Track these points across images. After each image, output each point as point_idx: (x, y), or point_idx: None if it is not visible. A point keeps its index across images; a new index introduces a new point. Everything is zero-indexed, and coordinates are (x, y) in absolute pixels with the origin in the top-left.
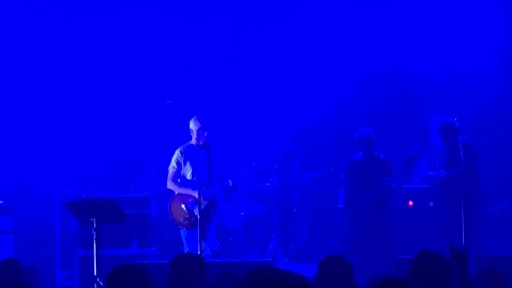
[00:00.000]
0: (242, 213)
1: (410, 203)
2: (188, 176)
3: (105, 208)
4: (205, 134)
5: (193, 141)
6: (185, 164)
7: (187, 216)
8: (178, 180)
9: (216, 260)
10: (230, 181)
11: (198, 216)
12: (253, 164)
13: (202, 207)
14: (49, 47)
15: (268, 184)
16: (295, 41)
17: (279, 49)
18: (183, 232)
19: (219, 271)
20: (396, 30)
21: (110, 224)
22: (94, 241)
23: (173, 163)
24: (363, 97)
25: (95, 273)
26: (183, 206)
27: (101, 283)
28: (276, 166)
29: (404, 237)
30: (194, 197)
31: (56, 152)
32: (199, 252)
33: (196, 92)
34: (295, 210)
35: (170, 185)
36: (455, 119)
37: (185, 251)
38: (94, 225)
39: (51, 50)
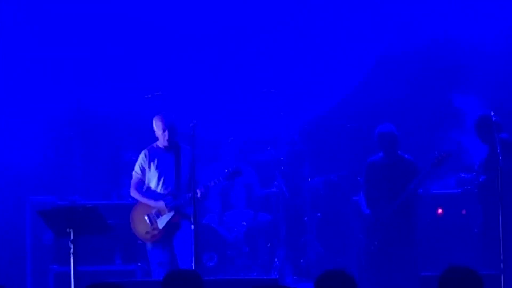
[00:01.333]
0: (244, 223)
1: (440, 211)
2: (153, 182)
3: (83, 217)
4: (166, 134)
5: (159, 143)
6: (149, 169)
7: (150, 229)
8: (144, 187)
9: (213, 278)
10: (198, 191)
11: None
12: (226, 170)
13: (168, 218)
14: (24, 42)
15: (273, 189)
16: (305, 26)
17: (287, 35)
18: (147, 246)
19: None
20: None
21: (89, 236)
22: (71, 255)
23: (136, 168)
24: (385, 88)
25: None
26: (146, 217)
27: None
28: (283, 168)
29: (432, 251)
30: (158, 207)
31: (26, 151)
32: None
33: (189, 83)
34: (305, 219)
35: (133, 193)
36: (492, 113)
37: (152, 269)
38: (71, 237)
39: (26, 45)
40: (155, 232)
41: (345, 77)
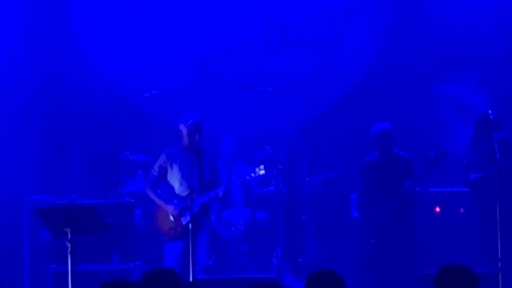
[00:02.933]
0: (242, 222)
1: (437, 209)
2: (177, 181)
3: (81, 216)
4: (197, 137)
5: (183, 143)
6: (172, 168)
7: (173, 225)
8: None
9: (211, 277)
10: (221, 191)
11: (190, 226)
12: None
13: (190, 217)
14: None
15: (272, 187)
16: (303, 23)
17: (286, 32)
18: (169, 244)
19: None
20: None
21: (87, 235)
22: (69, 254)
23: (155, 167)
24: (383, 86)
25: None
26: (170, 214)
27: None
28: (281, 167)
29: (430, 249)
30: (183, 204)
31: (24, 151)
32: (190, 267)
33: (188, 81)
34: (304, 218)
35: (147, 190)
36: (489, 111)
37: (167, 265)
38: (69, 236)
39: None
40: (178, 228)
41: (344, 75)
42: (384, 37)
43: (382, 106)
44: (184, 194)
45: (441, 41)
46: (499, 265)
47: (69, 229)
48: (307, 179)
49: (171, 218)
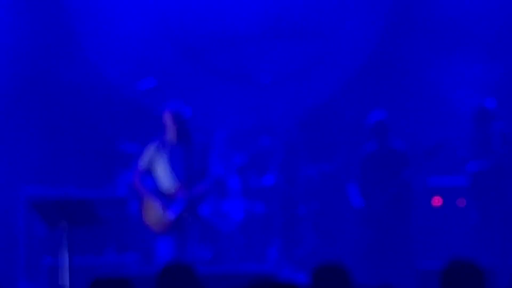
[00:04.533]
0: (238, 214)
1: (436, 202)
2: (163, 175)
3: (77, 209)
4: (175, 127)
5: (169, 136)
6: (158, 163)
7: (161, 219)
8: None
9: (208, 269)
10: (202, 185)
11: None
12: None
13: (179, 210)
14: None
15: (269, 179)
16: (299, 13)
17: (284, 23)
18: (160, 238)
19: (211, 281)
20: None
21: (83, 228)
22: (65, 247)
23: (141, 160)
24: (381, 77)
25: (66, 286)
26: (158, 208)
27: None
28: (278, 158)
29: (428, 243)
30: (169, 198)
31: (19, 142)
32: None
33: (184, 72)
34: (301, 210)
35: (134, 183)
36: (489, 100)
37: (157, 260)
38: (65, 229)
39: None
40: (166, 223)
41: (341, 66)
42: (382, 26)
43: (379, 97)
44: (170, 189)
45: (440, 30)
46: (498, 259)
47: (65, 222)
48: (304, 170)
49: (159, 212)
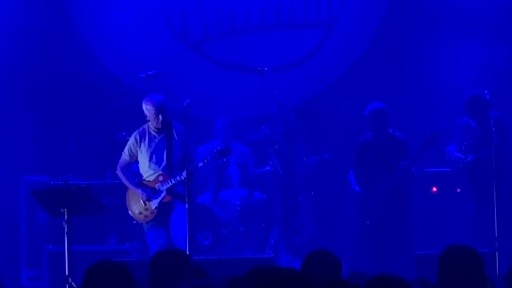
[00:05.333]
0: (238, 202)
1: (434, 189)
2: (145, 164)
3: (77, 197)
4: (160, 118)
5: (151, 125)
6: (141, 150)
7: (143, 209)
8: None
9: (208, 257)
10: (183, 173)
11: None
12: (214, 150)
13: (160, 199)
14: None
15: (268, 168)
16: (299, 3)
17: (282, 11)
18: (145, 227)
19: (210, 269)
20: None
21: (83, 216)
22: (66, 235)
23: (125, 150)
24: (380, 67)
25: (66, 273)
26: (139, 198)
27: (74, 284)
28: (277, 147)
29: (427, 230)
30: (151, 187)
31: (19, 131)
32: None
33: (184, 62)
34: (300, 198)
35: (118, 172)
36: (486, 91)
37: (150, 250)
38: (65, 217)
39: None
40: (148, 212)
41: (340, 56)
42: (381, 16)
43: (378, 86)
44: (152, 178)
45: (438, 21)
46: (496, 245)
47: (65, 210)
48: (303, 159)
49: (141, 202)
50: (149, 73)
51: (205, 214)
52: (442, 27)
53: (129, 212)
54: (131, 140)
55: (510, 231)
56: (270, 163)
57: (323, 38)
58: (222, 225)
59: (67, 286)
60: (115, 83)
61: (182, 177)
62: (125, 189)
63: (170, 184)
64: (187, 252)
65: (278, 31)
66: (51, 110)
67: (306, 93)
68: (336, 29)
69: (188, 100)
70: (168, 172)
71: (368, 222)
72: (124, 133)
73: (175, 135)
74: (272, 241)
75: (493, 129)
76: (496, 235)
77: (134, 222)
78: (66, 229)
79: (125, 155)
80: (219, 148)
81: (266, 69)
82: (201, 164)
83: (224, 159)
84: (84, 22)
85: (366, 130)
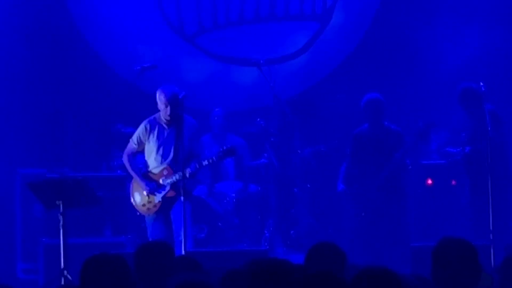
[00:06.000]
0: (233, 195)
1: (429, 181)
2: (152, 155)
3: (73, 189)
4: (168, 109)
5: (162, 116)
6: (149, 141)
7: (147, 201)
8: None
9: (203, 250)
10: (188, 170)
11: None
12: (221, 149)
13: (163, 194)
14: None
15: (264, 160)
16: None
17: (276, 3)
18: (147, 220)
19: (205, 262)
20: None
21: (79, 208)
22: (61, 228)
23: (134, 137)
24: (376, 58)
25: (62, 265)
26: (144, 190)
27: (69, 277)
28: (273, 139)
29: (422, 222)
30: (156, 181)
31: (15, 124)
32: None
33: (179, 54)
34: (296, 190)
35: (124, 159)
36: (481, 83)
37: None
38: (61, 210)
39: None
40: (151, 205)
41: (335, 48)
42: (376, 8)
43: (373, 78)
44: (157, 171)
45: (433, 11)
46: (491, 237)
47: (61, 202)
48: (299, 151)
49: (145, 194)
50: (144, 65)
51: (201, 206)
52: (437, 19)
53: (132, 201)
54: (141, 128)
55: (506, 224)
56: (266, 155)
57: (318, 30)
58: (217, 218)
59: (63, 278)
60: (110, 75)
61: (187, 174)
62: (121, 182)
63: (174, 179)
64: (185, 247)
65: (273, 24)
66: (47, 102)
67: (301, 86)
68: (331, 21)
69: (183, 93)
70: (174, 166)
71: (363, 214)
72: (119, 126)
73: (184, 129)
74: (267, 234)
75: (488, 121)
76: (491, 228)
77: (138, 214)
78: (61, 222)
79: (133, 143)
80: (224, 147)
81: (261, 61)
82: (205, 162)
83: (229, 159)
84: (80, 15)
85: (362, 122)
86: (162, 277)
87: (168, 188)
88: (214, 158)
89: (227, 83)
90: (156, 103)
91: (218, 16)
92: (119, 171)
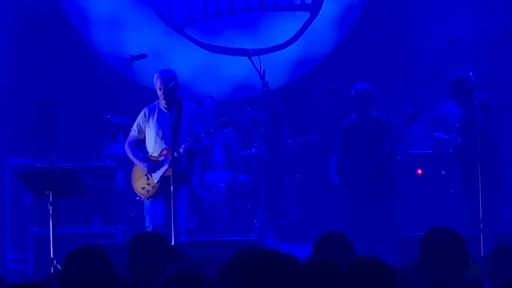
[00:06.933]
0: (223, 185)
1: (419, 171)
2: (152, 139)
3: (63, 179)
4: (161, 93)
5: (161, 101)
6: (149, 126)
7: (146, 184)
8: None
9: (192, 239)
10: (183, 146)
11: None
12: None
13: (162, 171)
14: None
15: (253, 150)
16: None
17: None
18: (145, 204)
19: (195, 251)
20: None
21: (68, 198)
22: (50, 217)
23: (134, 126)
24: (366, 48)
25: (51, 255)
26: (143, 173)
27: (59, 267)
28: (263, 129)
29: (412, 211)
30: (155, 161)
31: (4, 114)
32: (172, 228)
33: (169, 44)
34: (285, 181)
35: (126, 148)
36: (470, 73)
37: (147, 227)
38: (50, 199)
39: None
40: (150, 187)
41: (325, 38)
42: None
43: (364, 68)
44: (157, 153)
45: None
46: (481, 227)
47: (50, 192)
48: (289, 141)
49: (144, 177)
50: (134, 54)
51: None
52: (426, 8)
53: (134, 189)
54: (140, 115)
55: (494, 213)
56: (255, 145)
57: (308, 20)
58: (207, 208)
59: (52, 268)
60: (100, 65)
61: (181, 150)
62: (111, 172)
63: (169, 160)
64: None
65: (263, 13)
66: (36, 92)
67: (291, 75)
68: (321, 11)
69: (173, 82)
70: (173, 148)
71: (353, 204)
72: (109, 116)
73: (184, 112)
74: (257, 224)
75: (478, 111)
76: (481, 218)
77: (137, 198)
78: (51, 212)
79: (133, 131)
80: (221, 119)
81: (251, 51)
82: (202, 135)
83: (226, 130)
84: (69, 4)
85: (352, 112)
86: (157, 267)
87: (166, 166)
88: (211, 129)
89: (216, 73)
90: (147, 93)
91: (208, 6)
92: (108, 161)
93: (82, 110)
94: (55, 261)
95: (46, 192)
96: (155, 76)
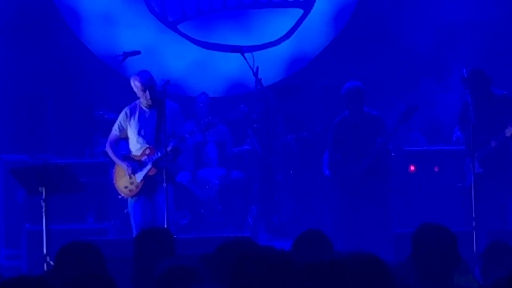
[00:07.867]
0: (216, 181)
1: (412, 168)
2: (133, 138)
3: (56, 175)
4: (147, 94)
5: (142, 102)
6: (130, 125)
7: (129, 183)
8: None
9: (186, 236)
10: (170, 145)
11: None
12: (202, 122)
13: (145, 171)
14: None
15: (246, 146)
16: None
17: None
18: (129, 203)
19: (189, 248)
20: None
21: (62, 195)
22: (44, 214)
23: (115, 125)
24: (359, 45)
25: (44, 251)
26: (125, 172)
27: (52, 263)
28: (256, 126)
29: (404, 208)
30: (138, 161)
31: None
32: (165, 225)
33: (162, 41)
34: (278, 177)
35: (107, 148)
36: (464, 70)
37: (132, 225)
38: (44, 196)
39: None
40: (133, 186)
41: (319, 34)
42: None
43: (357, 64)
44: (139, 152)
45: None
46: (473, 224)
47: (43, 188)
48: (282, 138)
49: (127, 176)
50: (127, 51)
51: (184, 193)
52: (419, 4)
53: (116, 187)
54: (122, 115)
55: (488, 211)
56: (249, 141)
57: (301, 16)
58: (200, 204)
59: (45, 264)
60: (93, 61)
61: (169, 149)
62: (104, 168)
63: (156, 157)
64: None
65: (257, 10)
66: (30, 89)
67: (284, 72)
68: (314, 8)
69: (166, 79)
70: (156, 147)
71: (346, 200)
72: (102, 112)
73: (166, 111)
74: (250, 220)
75: (471, 108)
76: (474, 215)
77: (119, 197)
78: (44, 208)
79: (114, 130)
80: (206, 120)
81: (244, 48)
82: (187, 135)
83: (211, 130)
84: (63, 1)
85: (344, 109)
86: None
87: (150, 166)
88: (195, 130)
89: (210, 69)
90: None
91: (201, 3)
92: (101, 157)
93: (75, 106)
94: (48, 258)
95: (39, 188)
96: (132, 80)
